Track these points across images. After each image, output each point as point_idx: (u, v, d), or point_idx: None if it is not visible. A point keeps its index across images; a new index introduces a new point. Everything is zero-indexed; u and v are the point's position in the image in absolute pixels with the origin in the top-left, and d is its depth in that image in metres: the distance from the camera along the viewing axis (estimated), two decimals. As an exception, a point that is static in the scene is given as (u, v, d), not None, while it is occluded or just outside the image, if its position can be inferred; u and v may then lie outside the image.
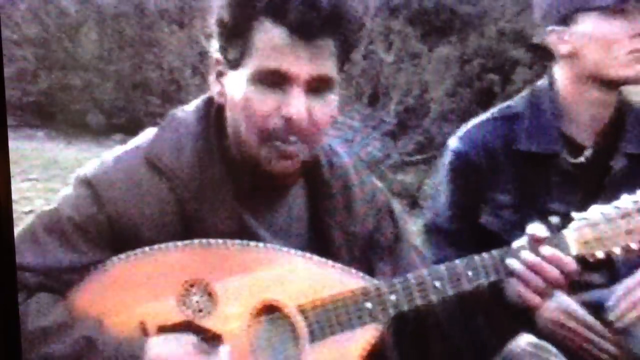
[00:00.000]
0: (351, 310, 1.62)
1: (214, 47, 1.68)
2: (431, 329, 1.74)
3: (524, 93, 2.26)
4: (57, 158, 7.17)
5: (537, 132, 2.17)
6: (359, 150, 5.89)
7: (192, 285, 1.59)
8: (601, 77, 2.12)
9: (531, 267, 1.65)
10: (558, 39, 2.15)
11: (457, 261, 1.66)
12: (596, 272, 2.04)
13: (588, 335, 2.03)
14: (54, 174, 6.54)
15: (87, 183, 1.65)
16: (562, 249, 1.66)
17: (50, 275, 1.60)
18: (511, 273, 1.66)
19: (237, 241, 1.63)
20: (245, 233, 1.66)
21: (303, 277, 1.64)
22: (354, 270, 1.67)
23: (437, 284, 1.64)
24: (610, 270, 2.05)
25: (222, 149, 1.68)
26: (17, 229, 1.60)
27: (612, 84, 2.14)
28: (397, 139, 6.46)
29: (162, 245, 1.60)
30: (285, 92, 1.60)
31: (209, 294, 1.59)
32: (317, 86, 1.61)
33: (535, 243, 1.67)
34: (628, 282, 2.02)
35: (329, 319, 1.61)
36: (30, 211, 4.55)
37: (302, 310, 1.61)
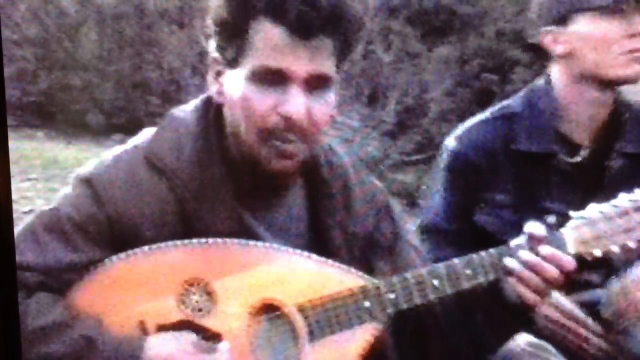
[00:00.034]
0: (350, 309, 1.63)
1: (212, 46, 1.68)
2: (430, 328, 1.74)
3: (521, 93, 2.26)
4: (57, 158, 7.16)
5: (534, 131, 2.17)
6: (359, 150, 5.89)
7: (191, 285, 1.60)
8: (598, 77, 2.13)
9: (530, 267, 1.65)
10: (554, 39, 2.16)
11: (455, 260, 1.66)
12: (594, 271, 2.04)
13: (577, 329, 2.03)
14: (53, 174, 6.54)
15: (86, 182, 1.65)
16: (560, 248, 1.67)
17: (50, 274, 1.60)
18: (509, 272, 1.66)
19: (237, 240, 1.63)
20: (245, 232, 1.66)
21: (302, 276, 1.65)
22: (353, 270, 1.67)
23: (436, 282, 1.65)
24: (608, 269, 2.05)
25: (221, 148, 1.68)
26: (17, 229, 1.60)
27: (608, 84, 2.14)
28: (396, 139, 6.46)
29: (162, 245, 1.61)
30: (283, 91, 1.60)
31: (209, 293, 1.60)
32: (316, 85, 1.62)
33: (534, 242, 1.67)
34: (623, 280, 2.02)
35: (328, 318, 1.62)
36: (30, 211, 4.54)
37: (302, 310, 1.61)
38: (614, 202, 1.71)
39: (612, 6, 2.10)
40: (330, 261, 1.67)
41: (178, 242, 1.61)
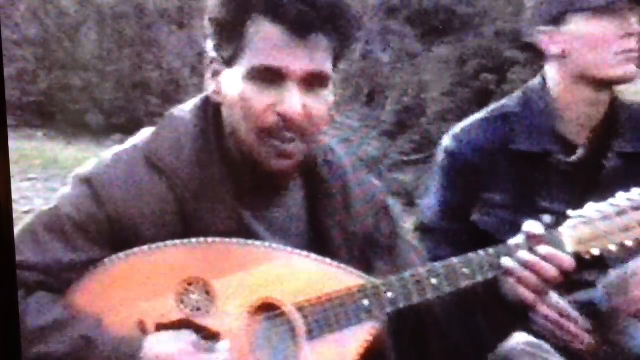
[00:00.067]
0: (349, 308, 1.63)
1: (209, 46, 1.68)
2: (430, 328, 1.74)
3: (518, 92, 2.27)
4: (57, 158, 7.16)
5: (530, 131, 2.17)
6: (358, 149, 5.89)
7: (190, 284, 1.60)
8: (592, 77, 2.13)
9: (528, 266, 1.65)
10: (549, 40, 2.16)
11: (454, 259, 1.67)
12: (591, 270, 2.04)
13: (569, 326, 2.03)
14: (53, 174, 6.54)
15: (86, 182, 1.66)
16: (558, 247, 1.67)
17: (49, 274, 1.60)
18: (508, 272, 1.67)
19: (236, 240, 1.63)
20: (245, 232, 1.66)
21: (301, 275, 1.65)
22: (352, 269, 1.67)
23: (435, 281, 1.65)
24: (603, 268, 2.06)
25: (221, 148, 1.68)
26: (17, 229, 1.60)
27: (603, 84, 2.14)
28: (395, 139, 6.46)
29: (161, 244, 1.61)
30: (281, 90, 1.61)
31: (208, 293, 1.60)
32: (313, 83, 1.62)
33: (532, 241, 1.67)
34: (620, 276, 2.01)
35: (326, 316, 1.62)
36: (30, 211, 4.55)
37: (300, 308, 1.61)
38: (612, 201, 1.71)
39: (606, 6, 2.10)
40: (329, 261, 1.67)
41: (177, 241, 1.62)
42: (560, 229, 1.69)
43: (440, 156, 2.24)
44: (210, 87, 1.70)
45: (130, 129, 1.80)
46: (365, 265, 1.74)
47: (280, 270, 1.64)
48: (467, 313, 1.72)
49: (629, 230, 1.70)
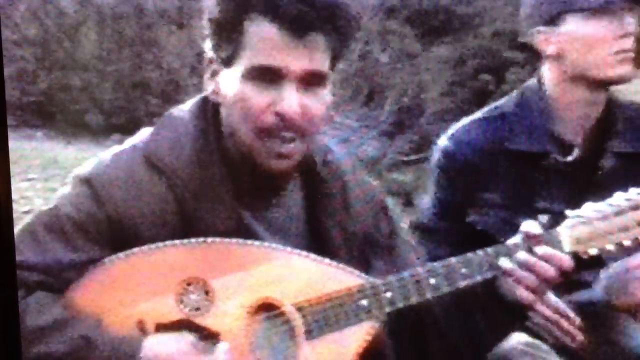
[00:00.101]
0: (348, 308, 1.63)
1: (208, 46, 1.68)
2: (429, 327, 1.75)
3: (514, 93, 2.27)
4: (57, 158, 7.17)
5: (526, 131, 2.18)
6: (357, 149, 5.89)
7: (190, 284, 1.60)
8: (588, 77, 2.14)
9: (526, 266, 1.66)
10: (545, 40, 2.16)
11: (452, 259, 1.67)
12: (589, 270, 2.05)
13: (563, 325, 2.03)
14: (53, 174, 6.54)
15: (85, 182, 1.66)
16: (556, 247, 1.67)
17: (50, 273, 1.60)
18: (506, 272, 1.67)
19: (235, 240, 1.63)
20: (245, 232, 1.67)
21: (300, 275, 1.65)
22: (350, 268, 1.67)
23: (433, 281, 1.65)
24: (602, 268, 2.06)
25: (220, 148, 1.68)
26: (16, 229, 1.60)
27: (599, 84, 2.15)
28: (394, 139, 6.47)
29: (160, 244, 1.61)
30: (278, 89, 1.61)
31: (207, 293, 1.60)
32: (311, 82, 1.62)
33: (530, 240, 1.68)
34: (619, 272, 2.01)
35: (326, 317, 1.62)
36: (29, 211, 4.55)
37: (299, 308, 1.61)
38: (609, 200, 1.72)
39: (602, 7, 2.10)
40: (328, 260, 1.67)
41: (177, 241, 1.62)
42: (559, 228, 1.70)
43: (436, 156, 2.25)
44: (209, 87, 1.70)
45: (130, 129, 1.80)
46: (364, 265, 1.74)
47: (279, 270, 1.64)
48: (467, 313, 1.72)
49: (627, 230, 1.70)
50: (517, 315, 1.72)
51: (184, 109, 1.74)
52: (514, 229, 1.71)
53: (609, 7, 2.11)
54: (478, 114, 2.27)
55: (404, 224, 2.12)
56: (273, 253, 1.66)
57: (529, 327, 1.99)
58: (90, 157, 1.73)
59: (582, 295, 2.09)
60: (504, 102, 2.26)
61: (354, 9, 1.68)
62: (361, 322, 1.63)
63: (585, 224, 1.70)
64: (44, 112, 8.29)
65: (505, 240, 1.71)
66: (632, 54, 2.13)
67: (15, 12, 8.35)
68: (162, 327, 1.58)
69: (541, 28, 2.17)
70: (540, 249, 1.66)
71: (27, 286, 1.58)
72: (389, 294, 1.64)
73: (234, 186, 1.67)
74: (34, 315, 1.55)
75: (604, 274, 2.01)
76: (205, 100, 1.73)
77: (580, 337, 2.02)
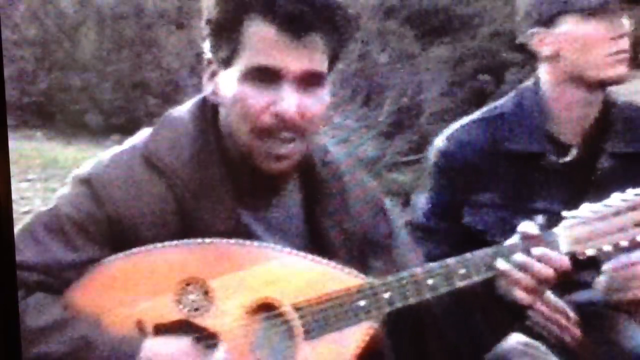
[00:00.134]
0: (346, 308, 1.63)
1: (207, 47, 1.69)
2: (429, 327, 1.75)
3: (511, 94, 2.28)
4: (56, 158, 7.17)
5: (523, 132, 2.18)
6: (355, 150, 5.90)
7: (189, 284, 1.60)
8: (584, 78, 2.14)
9: (523, 268, 1.66)
10: (541, 41, 2.17)
11: (450, 259, 1.67)
12: (586, 271, 2.05)
13: (559, 320, 2.03)
14: (52, 174, 6.55)
15: (85, 182, 1.66)
16: (553, 247, 1.68)
17: (50, 273, 1.61)
18: (502, 273, 1.67)
19: (234, 240, 1.64)
20: (244, 231, 1.67)
21: (299, 275, 1.65)
22: (349, 269, 1.68)
23: (431, 282, 1.65)
24: (597, 268, 2.06)
25: (219, 148, 1.69)
26: (16, 229, 1.60)
27: (595, 85, 2.15)
28: (392, 139, 6.47)
29: (159, 244, 1.61)
30: (276, 89, 1.61)
31: (206, 293, 1.60)
32: (309, 82, 1.62)
33: (527, 241, 1.68)
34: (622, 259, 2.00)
35: (324, 317, 1.62)
36: (29, 211, 4.55)
37: (298, 309, 1.62)
38: (606, 201, 1.72)
39: (597, 8, 2.11)
40: (326, 261, 1.67)
41: (176, 242, 1.62)
42: (556, 229, 1.70)
43: (432, 156, 2.25)
44: (207, 88, 1.71)
45: (129, 129, 1.80)
46: (363, 265, 1.74)
47: (278, 270, 1.65)
48: (466, 312, 1.73)
49: (624, 231, 1.71)
50: (516, 315, 1.72)
51: (183, 109, 1.74)
52: (510, 229, 1.72)
53: (604, 8, 2.11)
54: (475, 115, 2.27)
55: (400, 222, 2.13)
56: (272, 253, 1.66)
57: (528, 327, 1.99)
58: (90, 158, 1.73)
59: (581, 296, 2.10)
60: (501, 102, 2.27)
61: (352, 9, 1.68)
62: (360, 323, 1.64)
63: (583, 225, 1.70)
64: (43, 112, 8.30)
65: (502, 241, 1.72)
66: (628, 55, 2.13)
67: (15, 13, 8.36)
68: (161, 327, 1.58)
69: (537, 29, 2.17)
70: (538, 250, 1.67)
71: (27, 286, 1.58)
72: (387, 295, 1.64)
73: (234, 186, 1.68)
74: (33, 316, 1.56)
75: (604, 272, 2.01)
76: (204, 101, 1.73)
77: (577, 332, 2.02)
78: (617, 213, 1.71)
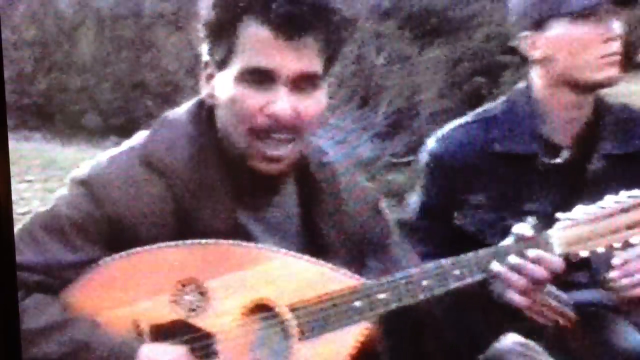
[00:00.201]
0: (341, 309, 1.64)
1: (204, 50, 1.70)
2: (426, 326, 1.75)
3: (503, 96, 2.28)
4: (55, 159, 7.16)
5: (514, 133, 2.18)
6: (351, 151, 5.90)
7: (185, 285, 1.61)
8: (575, 81, 2.14)
9: (516, 269, 1.67)
10: (532, 44, 2.17)
11: (444, 260, 1.68)
12: (579, 272, 2.06)
13: (551, 303, 2.02)
14: (51, 175, 6.53)
15: (83, 183, 1.67)
16: (547, 249, 1.68)
17: (50, 274, 1.61)
18: (496, 275, 1.68)
19: (230, 241, 1.64)
20: (241, 232, 1.68)
21: (295, 276, 1.66)
22: (344, 270, 1.68)
23: (425, 283, 1.66)
24: (589, 270, 2.07)
25: (216, 149, 1.69)
26: (15, 230, 1.61)
27: (585, 88, 2.15)
28: (389, 140, 6.47)
29: (155, 246, 1.62)
30: (271, 91, 1.62)
31: (202, 294, 1.61)
32: (304, 84, 1.63)
33: (521, 242, 1.69)
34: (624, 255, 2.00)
35: (319, 317, 1.63)
36: (28, 212, 4.55)
37: (293, 309, 1.62)
38: (600, 203, 1.73)
39: (587, 11, 2.11)
40: (322, 262, 1.68)
41: (172, 242, 1.63)
42: (550, 231, 1.71)
43: (424, 158, 2.25)
44: (204, 90, 1.72)
45: (128, 130, 1.81)
46: (359, 266, 1.75)
47: (274, 271, 1.65)
48: (465, 312, 1.74)
49: (617, 233, 1.72)
50: (512, 316, 1.73)
51: (181, 111, 1.75)
52: (501, 231, 1.73)
53: (594, 11, 2.11)
54: (467, 117, 2.27)
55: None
56: (268, 254, 1.66)
57: (524, 327, 2.00)
58: (89, 158, 1.74)
59: (576, 296, 2.10)
60: (493, 105, 2.27)
61: (349, 11, 1.69)
62: (355, 323, 1.64)
63: (576, 227, 1.71)
64: (42, 113, 8.29)
65: (493, 241, 1.73)
66: (618, 58, 2.14)
67: (14, 14, 8.35)
68: (157, 328, 1.59)
69: (527, 33, 2.17)
70: (531, 252, 1.68)
71: (27, 287, 1.59)
72: (382, 295, 1.65)
73: (232, 187, 1.68)
74: (32, 317, 1.56)
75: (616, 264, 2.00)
76: (201, 103, 1.74)
77: (572, 315, 2.02)
78: (610, 215, 1.72)
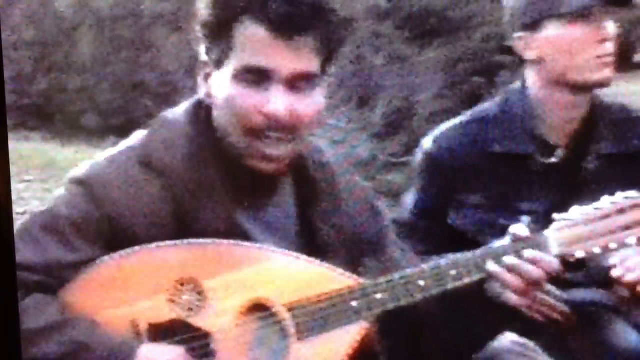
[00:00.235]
0: (338, 309, 1.64)
1: (202, 50, 1.71)
2: (426, 326, 1.75)
3: (499, 96, 2.29)
4: (54, 159, 7.15)
5: (509, 133, 2.19)
6: (350, 151, 5.90)
7: (182, 284, 1.61)
8: (569, 82, 2.15)
9: (512, 269, 1.68)
10: (526, 45, 2.18)
11: (441, 261, 1.69)
12: (575, 272, 2.06)
13: (544, 298, 2.02)
14: (50, 175, 6.53)
15: (81, 183, 1.67)
16: (543, 249, 1.69)
17: (49, 274, 1.61)
18: (492, 275, 1.69)
19: (228, 241, 1.65)
20: (239, 231, 1.68)
21: (292, 276, 1.66)
22: (341, 270, 1.69)
23: (422, 283, 1.66)
24: (585, 270, 2.07)
25: (214, 149, 1.69)
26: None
27: (580, 88, 2.16)
28: (385, 141, 6.47)
29: (153, 245, 1.62)
30: (267, 90, 1.62)
31: (200, 293, 1.61)
32: (300, 83, 1.64)
33: (518, 243, 1.70)
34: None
35: (317, 317, 1.63)
36: (26, 212, 4.55)
37: (290, 309, 1.63)
38: (596, 204, 1.73)
39: (581, 12, 2.12)
40: (319, 262, 1.69)
41: (170, 242, 1.63)
42: (547, 231, 1.71)
43: (419, 157, 2.26)
44: (202, 90, 1.72)
45: (127, 130, 1.81)
46: (356, 265, 1.75)
47: (272, 271, 1.66)
48: (463, 312, 1.74)
49: (614, 234, 1.72)
50: (509, 315, 1.74)
51: (179, 111, 1.75)
52: (496, 230, 1.73)
53: (588, 12, 2.12)
54: (462, 117, 2.28)
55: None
56: (266, 254, 1.67)
57: (521, 327, 2.00)
58: (88, 159, 1.74)
59: (573, 295, 2.10)
60: (489, 105, 2.28)
61: (346, 12, 1.69)
62: (352, 323, 1.65)
63: (573, 227, 1.71)
64: (41, 113, 8.28)
65: (488, 241, 1.74)
66: (612, 58, 2.14)
67: (14, 14, 8.35)
68: (155, 327, 1.59)
69: (522, 34, 2.18)
70: (528, 252, 1.68)
71: (27, 287, 1.59)
72: (379, 295, 1.65)
73: (230, 187, 1.69)
74: (32, 317, 1.56)
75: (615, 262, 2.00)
76: (199, 102, 1.74)
77: (567, 309, 2.03)
78: (606, 216, 1.72)
